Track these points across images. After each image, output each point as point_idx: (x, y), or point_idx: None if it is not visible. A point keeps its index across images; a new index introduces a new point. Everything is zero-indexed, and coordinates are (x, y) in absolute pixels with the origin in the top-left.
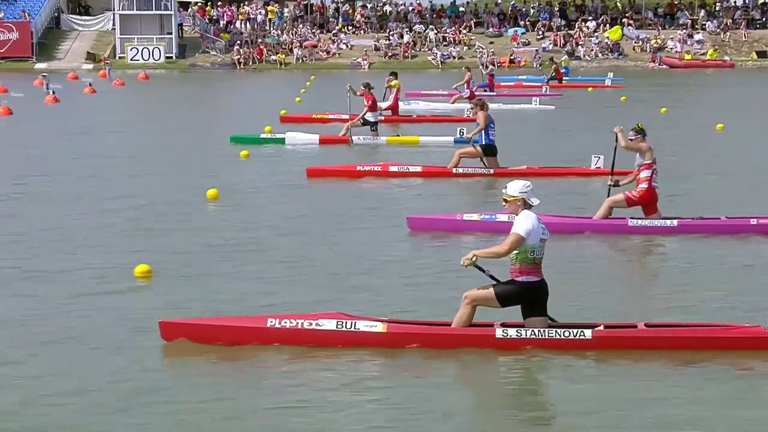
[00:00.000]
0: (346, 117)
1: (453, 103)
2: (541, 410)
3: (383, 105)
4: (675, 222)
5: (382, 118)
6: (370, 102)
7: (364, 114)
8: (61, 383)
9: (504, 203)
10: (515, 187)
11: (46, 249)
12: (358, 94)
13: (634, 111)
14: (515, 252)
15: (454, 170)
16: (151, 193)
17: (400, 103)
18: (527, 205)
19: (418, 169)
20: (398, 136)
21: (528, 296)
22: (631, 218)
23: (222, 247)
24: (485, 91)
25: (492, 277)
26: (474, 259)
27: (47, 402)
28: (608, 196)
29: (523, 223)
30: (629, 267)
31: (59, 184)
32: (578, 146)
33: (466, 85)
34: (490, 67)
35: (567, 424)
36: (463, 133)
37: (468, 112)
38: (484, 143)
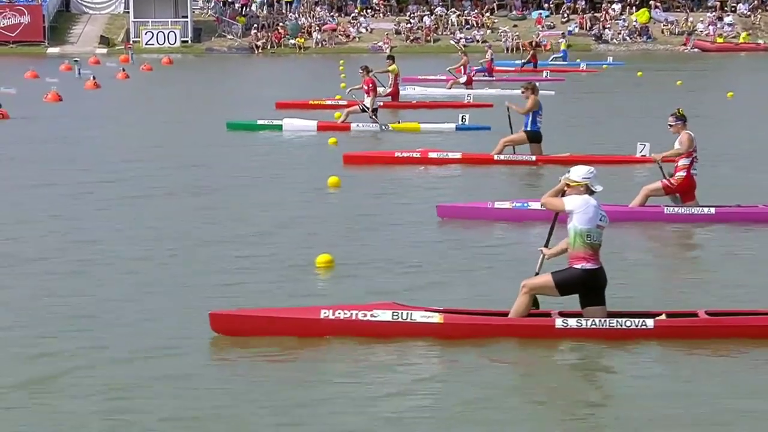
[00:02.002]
0: (344, 103)
1: (450, 88)
2: (605, 401)
3: (383, 91)
4: (713, 209)
5: (381, 103)
6: (369, 85)
7: (373, 100)
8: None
9: (566, 188)
10: (579, 173)
11: (215, 239)
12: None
13: (692, 95)
14: (573, 238)
15: (496, 157)
16: (274, 181)
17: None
18: (590, 191)
19: (458, 155)
20: (398, 122)
21: (587, 283)
22: (667, 206)
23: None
24: (484, 75)
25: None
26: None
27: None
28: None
29: (577, 200)
30: (669, 255)
31: (188, 174)
32: (593, 133)
33: (463, 69)
34: (489, 51)
35: (633, 415)
36: (465, 119)
37: (468, 98)
38: (530, 129)
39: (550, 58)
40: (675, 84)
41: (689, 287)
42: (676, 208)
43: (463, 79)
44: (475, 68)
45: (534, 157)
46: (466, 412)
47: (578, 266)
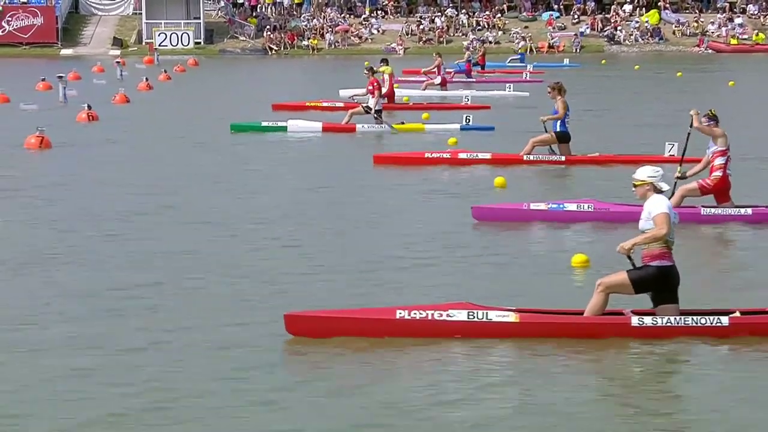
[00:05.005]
0: (341, 105)
1: (424, 89)
2: (684, 398)
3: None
4: (749, 210)
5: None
6: (374, 85)
7: (378, 99)
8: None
9: (633, 188)
10: (645, 172)
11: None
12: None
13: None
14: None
15: (525, 157)
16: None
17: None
18: (656, 190)
19: (488, 156)
20: (402, 123)
21: (662, 281)
22: (704, 207)
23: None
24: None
25: (634, 266)
26: (632, 249)
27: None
28: (673, 190)
29: (663, 201)
30: (714, 254)
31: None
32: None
33: (437, 70)
34: (467, 53)
35: (712, 412)
36: (469, 120)
37: (466, 100)
38: (558, 130)
39: (508, 60)
40: (728, 85)
41: (742, 286)
42: (712, 209)
43: (438, 80)
44: (455, 70)
45: (563, 157)
46: (544, 411)
47: (654, 264)
